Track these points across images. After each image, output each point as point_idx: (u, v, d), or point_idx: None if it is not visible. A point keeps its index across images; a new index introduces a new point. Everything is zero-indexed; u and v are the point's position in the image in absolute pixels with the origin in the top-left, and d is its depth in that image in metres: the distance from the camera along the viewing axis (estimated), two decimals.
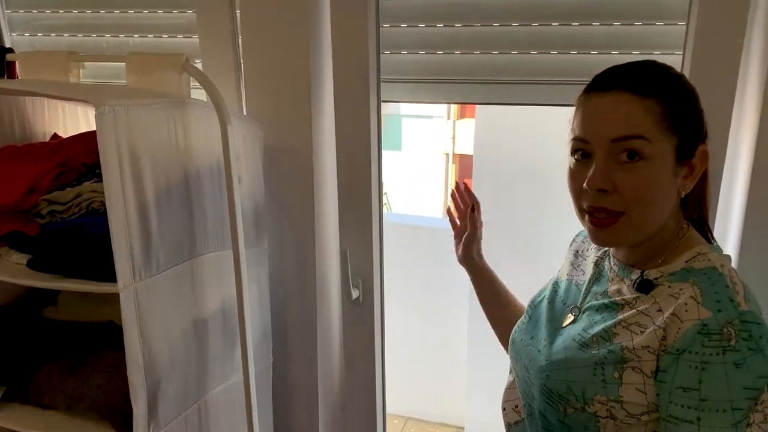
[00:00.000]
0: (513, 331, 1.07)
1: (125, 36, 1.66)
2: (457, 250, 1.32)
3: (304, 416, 1.62)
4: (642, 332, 0.83)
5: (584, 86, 0.90)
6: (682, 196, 0.89)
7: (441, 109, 10.24)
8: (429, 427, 3.61)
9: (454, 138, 9.92)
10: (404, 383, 3.49)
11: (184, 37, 1.60)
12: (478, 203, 1.30)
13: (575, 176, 0.89)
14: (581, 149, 0.87)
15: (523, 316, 1.08)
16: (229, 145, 1.15)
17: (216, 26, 1.46)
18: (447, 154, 10.61)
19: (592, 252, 1.05)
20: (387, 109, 11.27)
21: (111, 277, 1.03)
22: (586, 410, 0.85)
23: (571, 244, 1.13)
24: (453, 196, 1.33)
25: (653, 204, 0.86)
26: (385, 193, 11.69)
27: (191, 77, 1.17)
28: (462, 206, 1.32)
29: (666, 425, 0.81)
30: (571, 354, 0.89)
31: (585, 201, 0.88)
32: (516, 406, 1.04)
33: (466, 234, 1.29)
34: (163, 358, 1.13)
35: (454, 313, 3.33)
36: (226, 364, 1.33)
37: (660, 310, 0.83)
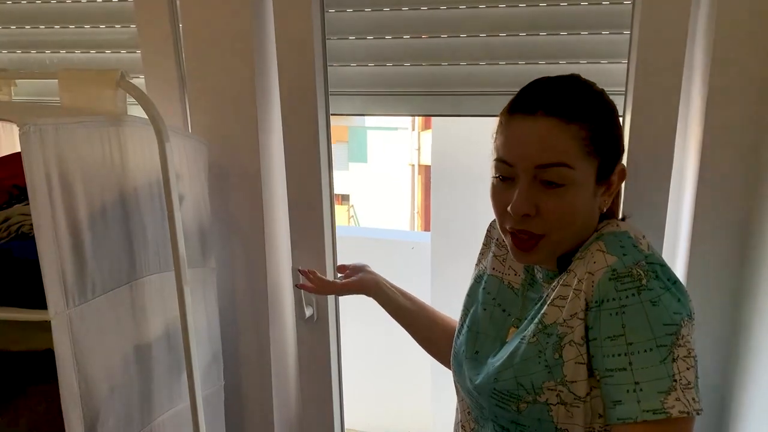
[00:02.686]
0: (453, 345, 1.05)
1: (66, 52, 1.61)
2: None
3: None
4: (565, 302, 0.85)
5: (509, 101, 0.90)
6: (603, 211, 0.91)
7: (406, 120, 10.28)
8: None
9: (419, 149, 9.95)
10: (367, 398, 3.45)
11: (127, 52, 1.56)
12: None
13: (498, 196, 0.90)
14: (505, 172, 0.88)
15: (459, 328, 1.06)
16: (167, 163, 1.11)
17: (158, 41, 1.42)
18: (413, 165, 10.64)
19: None
20: (352, 121, 11.28)
21: (42, 303, 0.98)
22: (537, 401, 0.86)
23: (489, 233, 1.11)
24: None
25: (574, 225, 0.88)
26: (352, 206, 11.72)
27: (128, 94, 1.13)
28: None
29: (604, 381, 0.81)
30: (514, 351, 0.90)
31: (507, 222, 0.89)
32: (463, 425, 1.03)
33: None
34: (101, 387, 1.08)
35: None
36: (173, 389, 1.28)
37: (575, 276, 0.85)
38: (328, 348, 1.54)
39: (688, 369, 0.78)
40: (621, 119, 0.93)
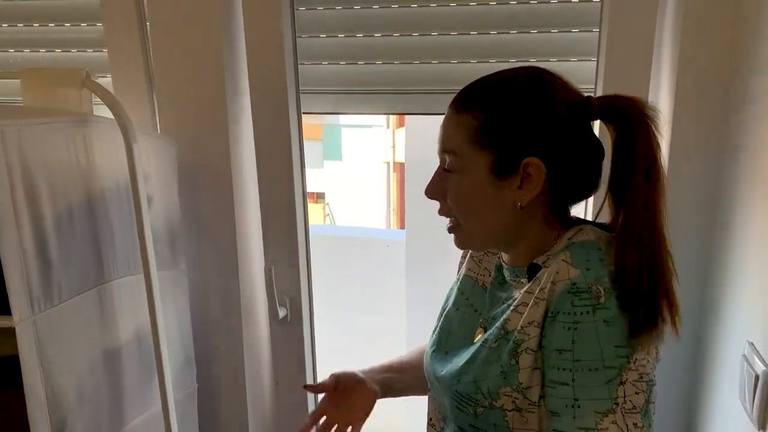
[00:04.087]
0: (428, 345, 1.05)
1: (31, 51, 1.57)
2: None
3: None
4: (526, 309, 0.83)
5: None
6: (522, 206, 0.86)
7: (380, 118, 10.28)
8: None
9: (394, 147, 9.95)
10: None
11: (93, 51, 1.53)
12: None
13: None
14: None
15: (434, 328, 1.06)
16: (135, 164, 1.09)
17: (125, 39, 1.40)
18: (388, 163, 10.64)
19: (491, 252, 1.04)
20: (326, 119, 11.25)
21: (6, 309, 0.96)
22: (494, 406, 0.85)
23: None
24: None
25: (472, 213, 0.89)
26: (327, 204, 11.69)
27: (93, 93, 1.11)
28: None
29: (547, 391, 0.81)
30: (476, 354, 0.89)
31: None
32: (431, 420, 1.04)
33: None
34: (69, 393, 1.06)
35: (394, 326, 3.31)
36: (145, 394, 1.26)
37: (540, 283, 0.83)
38: (303, 348, 1.53)
39: (636, 393, 0.76)
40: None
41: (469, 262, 1.05)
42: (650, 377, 0.78)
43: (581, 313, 0.77)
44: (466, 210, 0.89)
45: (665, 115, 1.21)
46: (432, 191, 0.91)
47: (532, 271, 0.88)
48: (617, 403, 0.76)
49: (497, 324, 0.88)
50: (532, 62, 1.30)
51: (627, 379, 0.76)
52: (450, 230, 0.93)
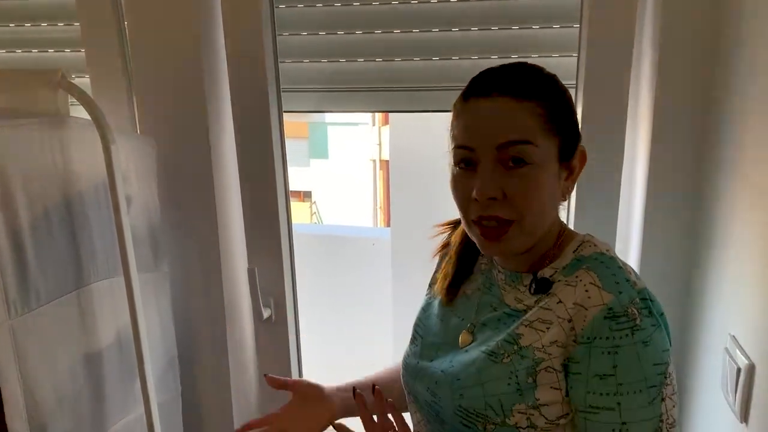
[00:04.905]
0: (404, 358, 1.02)
1: (6, 51, 1.55)
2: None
3: None
4: (548, 328, 0.82)
5: (461, 92, 0.87)
6: (566, 198, 0.88)
7: (366, 115, 10.26)
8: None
9: (380, 144, 9.94)
10: None
11: (71, 51, 1.51)
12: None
13: (461, 185, 0.85)
14: (466, 158, 0.84)
15: (412, 341, 1.03)
16: (113, 165, 1.07)
17: (102, 39, 1.38)
18: (374, 161, 10.63)
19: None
20: (312, 117, 11.22)
21: None
22: (506, 423, 0.83)
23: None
24: None
25: (543, 209, 0.85)
26: (314, 203, 11.66)
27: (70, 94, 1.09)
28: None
29: (585, 417, 0.80)
30: (483, 368, 0.86)
31: (473, 212, 0.84)
32: None
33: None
34: (48, 398, 1.04)
35: (380, 324, 3.31)
36: (127, 398, 1.25)
37: (560, 302, 0.82)
38: (288, 349, 1.52)
39: (673, 407, 0.79)
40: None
41: None
42: (677, 387, 0.81)
43: (620, 337, 0.77)
44: (537, 204, 0.83)
45: (646, 107, 1.21)
46: (494, 190, 0.81)
47: (542, 287, 0.86)
48: (662, 420, 0.78)
49: (503, 337, 0.86)
50: (514, 58, 1.30)
51: (666, 395, 0.78)
52: (495, 236, 0.84)
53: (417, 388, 0.96)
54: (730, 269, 1.06)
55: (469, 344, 0.92)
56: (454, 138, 0.86)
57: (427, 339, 0.99)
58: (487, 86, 0.83)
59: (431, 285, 1.08)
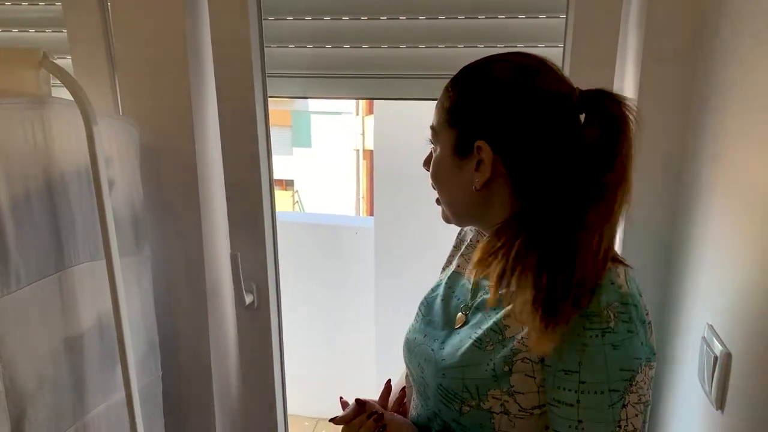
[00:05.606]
0: (406, 333, 1.04)
1: None
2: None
3: (201, 428, 1.54)
4: None
5: None
6: (476, 189, 0.87)
7: (350, 105, 10.23)
8: (340, 427, 3.52)
9: (363, 134, 9.92)
10: (315, 385, 3.44)
11: (52, 31, 1.48)
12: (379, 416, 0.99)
13: None
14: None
15: (415, 316, 1.06)
16: (95, 147, 1.06)
17: (85, 19, 1.36)
18: (357, 150, 10.60)
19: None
20: (295, 105, 11.14)
21: None
22: (480, 407, 0.85)
23: (459, 234, 1.13)
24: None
25: (442, 187, 0.93)
26: (297, 192, 11.62)
27: (51, 74, 1.08)
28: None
29: (550, 409, 0.81)
30: (467, 353, 0.88)
31: None
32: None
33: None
34: (28, 382, 1.03)
35: (362, 312, 3.32)
36: (108, 381, 1.24)
37: None
38: (270, 335, 1.52)
39: (636, 415, 0.78)
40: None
41: (459, 259, 1.06)
42: (647, 398, 0.80)
43: (590, 336, 0.77)
44: (437, 184, 0.94)
45: (631, 96, 1.22)
46: (424, 162, 0.95)
47: None
48: (620, 426, 0.77)
49: (489, 325, 0.87)
50: (500, 48, 1.30)
51: (628, 402, 0.78)
52: (436, 202, 0.96)
53: (412, 363, 0.99)
54: (708, 259, 1.08)
55: (462, 325, 0.94)
56: None
57: (427, 317, 1.02)
58: None
59: (444, 267, 1.12)
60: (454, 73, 0.90)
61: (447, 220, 0.97)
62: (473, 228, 1.08)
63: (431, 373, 0.91)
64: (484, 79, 0.85)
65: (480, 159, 0.85)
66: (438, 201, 0.95)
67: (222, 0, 1.31)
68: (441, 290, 1.04)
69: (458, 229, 1.12)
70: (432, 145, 0.94)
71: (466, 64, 0.89)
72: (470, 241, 1.08)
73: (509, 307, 0.87)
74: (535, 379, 0.82)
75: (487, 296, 0.92)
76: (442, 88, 0.90)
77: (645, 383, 0.79)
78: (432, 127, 0.92)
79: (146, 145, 1.34)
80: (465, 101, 0.86)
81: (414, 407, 1.01)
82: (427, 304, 1.05)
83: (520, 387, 0.83)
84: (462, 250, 1.09)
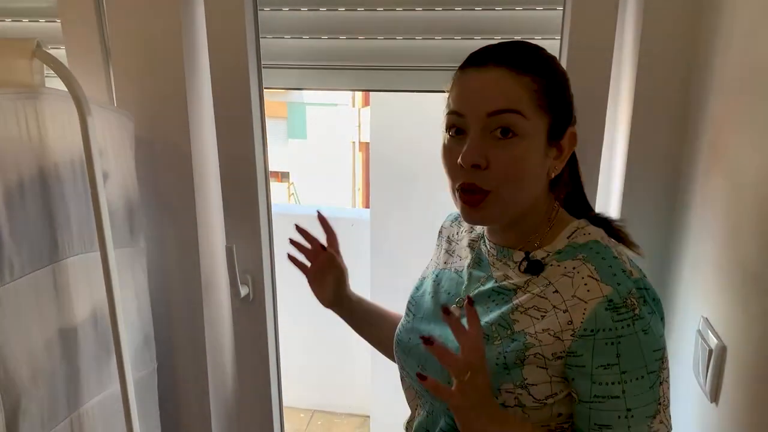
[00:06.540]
0: (397, 333, 1.03)
1: None
2: (318, 294, 1.17)
3: (196, 420, 1.54)
4: (543, 316, 0.83)
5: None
6: (552, 177, 0.89)
7: (345, 96, 10.20)
8: (335, 419, 3.60)
9: (359, 126, 9.90)
10: (309, 377, 3.45)
11: (46, 21, 1.47)
12: (333, 234, 1.16)
13: (450, 152, 0.87)
14: (456, 124, 0.86)
15: (405, 316, 1.05)
16: (89, 139, 1.06)
17: (78, 9, 1.34)
18: (354, 142, 10.59)
19: (465, 235, 1.03)
20: (291, 96, 11.11)
21: None
22: None
23: (440, 232, 1.11)
24: (299, 232, 1.16)
25: (522, 182, 0.85)
26: (292, 183, 11.59)
27: (45, 64, 1.07)
28: (310, 245, 1.15)
29: (590, 407, 0.82)
30: None
31: (458, 178, 0.86)
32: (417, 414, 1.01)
33: (329, 277, 1.15)
34: (22, 373, 1.03)
35: None
36: (102, 373, 1.24)
37: (557, 292, 0.84)
38: (265, 327, 1.51)
39: (668, 388, 0.83)
40: None
41: (444, 256, 1.06)
42: (668, 369, 0.85)
43: (622, 327, 0.79)
44: (516, 177, 0.84)
45: (627, 95, 1.22)
46: (478, 157, 0.82)
47: (534, 268, 0.88)
48: (660, 403, 0.82)
49: (493, 319, 0.87)
50: (497, 39, 1.29)
51: (663, 378, 0.82)
52: (474, 203, 0.85)
53: (409, 364, 0.98)
54: (704, 253, 1.08)
55: (461, 316, 0.92)
56: (447, 105, 0.88)
57: (418, 316, 1.01)
58: (484, 57, 0.85)
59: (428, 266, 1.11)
60: (453, 65, 0.89)
61: (489, 220, 0.89)
62: (454, 223, 1.08)
63: (435, 372, 0.89)
64: (555, 65, 0.88)
65: (563, 145, 0.88)
66: (480, 200, 0.84)
67: None
68: (428, 287, 1.03)
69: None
70: (459, 135, 0.85)
71: (501, 46, 0.87)
72: (449, 236, 1.08)
73: (517, 301, 0.87)
74: (547, 370, 0.83)
75: (484, 288, 0.92)
76: (438, 80, 0.90)
77: (667, 356, 0.84)
78: (517, 112, 0.82)
79: (141, 136, 1.33)
80: (555, 85, 0.86)
81: (420, 408, 0.99)
82: (415, 303, 1.04)
83: (532, 379, 0.83)
84: (443, 246, 1.08)
